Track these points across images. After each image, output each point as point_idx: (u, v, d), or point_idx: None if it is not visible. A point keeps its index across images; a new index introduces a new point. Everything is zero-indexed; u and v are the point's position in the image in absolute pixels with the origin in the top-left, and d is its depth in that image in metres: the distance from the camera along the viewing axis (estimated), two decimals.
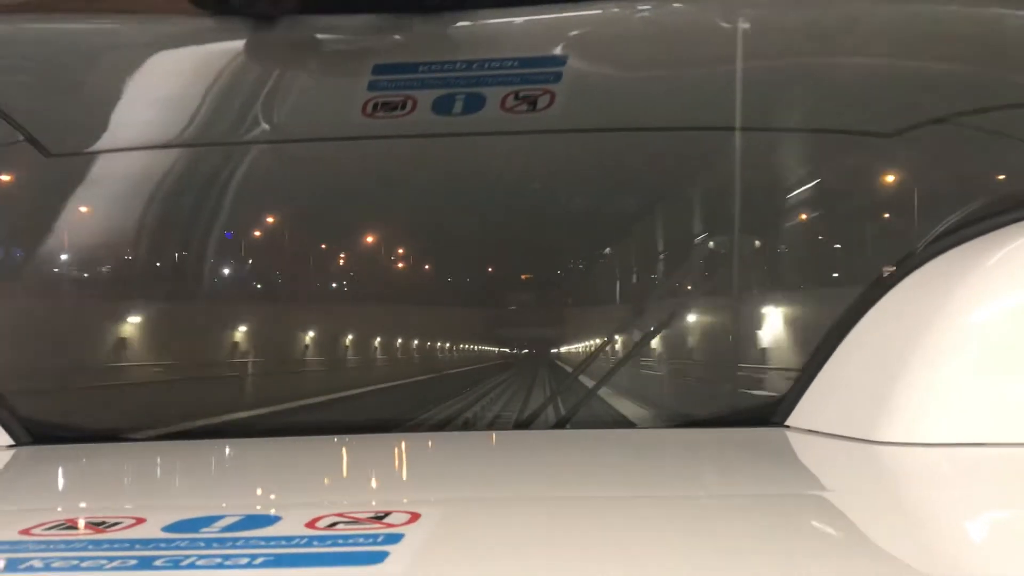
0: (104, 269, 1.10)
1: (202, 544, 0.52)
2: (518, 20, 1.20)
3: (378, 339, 1.10)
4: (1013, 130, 1.04)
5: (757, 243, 1.04)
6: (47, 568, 0.49)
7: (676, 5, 1.23)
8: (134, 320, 1.07)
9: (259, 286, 1.12)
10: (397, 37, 1.19)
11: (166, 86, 1.20)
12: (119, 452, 0.91)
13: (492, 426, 1.00)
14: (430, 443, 0.97)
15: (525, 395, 1.03)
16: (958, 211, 0.93)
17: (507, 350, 1.06)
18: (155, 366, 1.06)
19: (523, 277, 1.10)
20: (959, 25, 1.16)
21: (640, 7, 1.21)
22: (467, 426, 1.00)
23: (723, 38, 1.15)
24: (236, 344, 1.07)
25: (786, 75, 1.14)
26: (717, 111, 1.08)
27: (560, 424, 0.98)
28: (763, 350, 0.99)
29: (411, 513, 0.58)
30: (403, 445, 0.95)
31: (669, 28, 1.21)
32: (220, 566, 0.49)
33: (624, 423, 0.99)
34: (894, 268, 0.91)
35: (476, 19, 1.20)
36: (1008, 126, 1.04)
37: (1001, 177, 0.98)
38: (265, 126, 1.14)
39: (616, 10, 1.21)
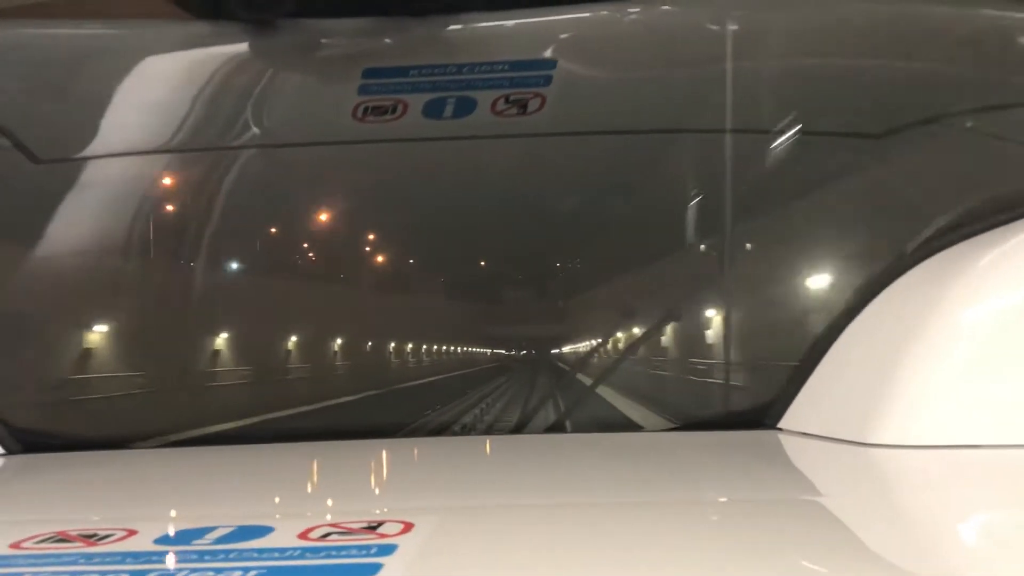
0: (94, 276, 1.09)
1: (194, 557, 0.52)
2: (509, 23, 1.20)
3: (370, 343, 1.10)
4: (1003, 131, 1.04)
5: (748, 245, 1.04)
6: None
7: (665, 8, 1.22)
8: (125, 328, 1.06)
9: (249, 291, 1.11)
10: (389, 41, 1.19)
11: (158, 91, 1.20)
12: (111, 461, 0.90)
13: (489, 431, 1.00)
14: (426, 449, 0.97)
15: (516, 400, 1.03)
16: (949, 212, 0.93)
17: (493, 351, 1.06)
18: (147, 375, 1.05)
19: (511, 278, 1.10)
20: (948, 26, 1.16)
21: (630, 10, 1.21)
22: (465, 430, 0.99)
23: (712, 40, 1.15)
24: (223, 351, 1.07)
25: (774, 77, 1.14)
26: (706, 113, 1.08)
27: (554, 428, 0.97)
28: (755, 352, 0.98)
29: (404, 523, 0.58)
30: (398, 451, 0.94)
31: (658, 31, 1.21)
32: None
33: (620, 426, 0.98)
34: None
35: (468, 22, 1.20)
36: (998, 127, 1.04)
37: (992, 178, 0.98)
38: (256, 131, 1.14)
39: (606, 13, 1.21)
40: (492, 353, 1.06)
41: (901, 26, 1.15)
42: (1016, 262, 0.83)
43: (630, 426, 0.98)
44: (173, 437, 0.97)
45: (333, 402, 1.06)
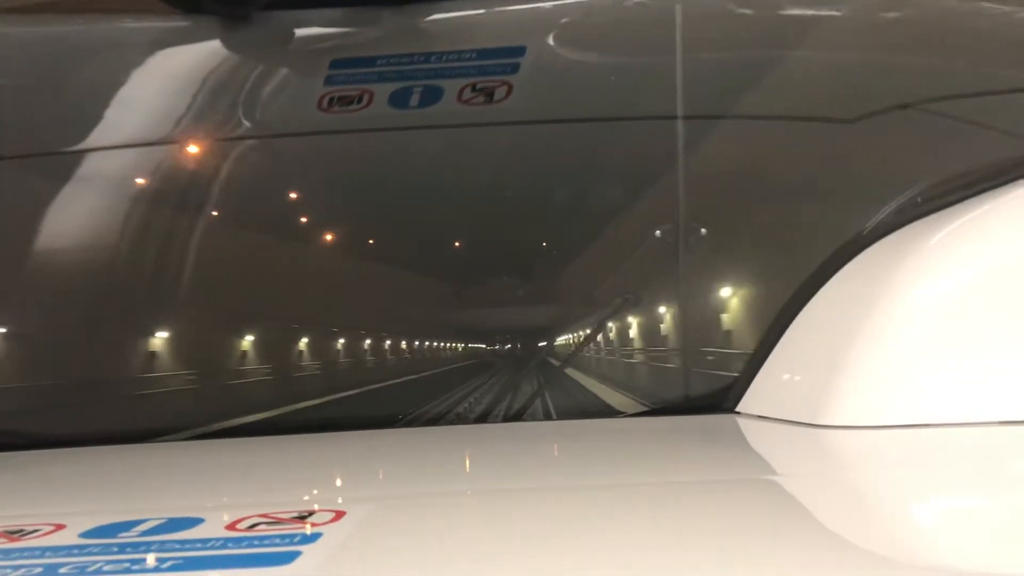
0: (54, 273, 1.09)
1: (115, 550, 0.52)
2: (481, 12, 1.20)
3: (341, 340, 1.10)
4: (971, 115, 1.03)
5: (709, 230, 1.03)
6: None
7: None
8: (83, 327, 1.06)
9: (216, 287, 1.11)
10: (360, 31, 1.19)
11: (130, 86, 1.21)
12: (53, 459, 0.90)
13: (449, 420, 1.00)
14: (392, 440, 0.96)
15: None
16: (905, 193, 0.92)
17: (461, 341, 1.06)
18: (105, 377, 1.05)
19: (477, 267, 1.10)
20: (921, 13, 1.16)
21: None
22: (460, 419, 0.99)
23: (685, 27, 1.15)
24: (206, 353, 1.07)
25: (747, 63, 1.13)
26: (674, 99, 1.08)
27: (516, 416, 0.97)
28: (713, 337, 0.98)
29: (336, 512, 0.58)
30: (354, 443, 0.94)
31: (628, 18, 1.21)
32: (127, 571, 0.49)
33: (577, 412, 0.98)
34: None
35: (442, 11, 1.20)
36: (966, 112, 1.04)
37: (950, 160, 0.98)
38: (230, 124, 1.14)
39: (575, 1, 1.21)
40: (460, 343, 1.06)
41: (876, 14, 1.15)
42: (965, 241, 0.83)
43: (594, 412, 0.98)
44: (127, 432, 0.97)
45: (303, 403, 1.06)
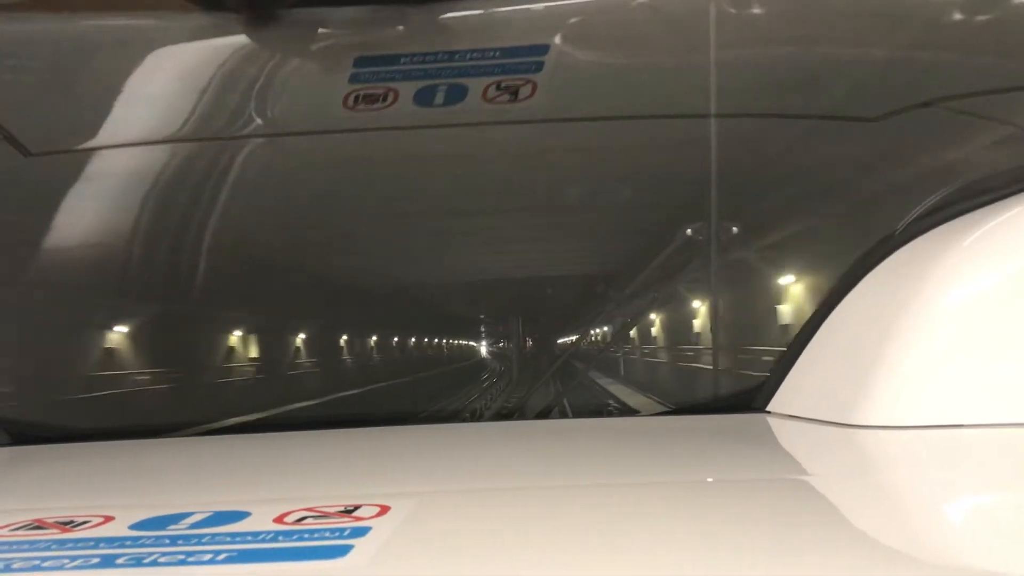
0: (86, 269, 1.10)
1: (167, 541, 0.52)
2: (504, 10, 1.20)
3: (367, 338, 1.10)
4: (995, 113, 1.03)
5: (740, 229, 1.03)
6: (7, 569, 0.48)
7: None
8: (118, 322, 1.07)
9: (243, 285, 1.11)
10: (384, 29, 1.19)
11: (153, 83, 1.20)
12: (96, 452, 0.91)
13: (480, 417, 1.00)
14: (422, 436, 0.97)
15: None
16: (936, 193, 0.92)
17: (481, 342, 1.07)
18: (142, 371, 1.06)
19: (501, 266, 1.11)
20: (943, 10, 1.16)
21: None
22: (475, 416, 1.00)
23: (708, 25, 1.15)
24: (230, 348, 1.07)
25: (770, 61, 1.13)
26: (700, 98, 1.08)
27: (544, 413, 0.98)
28: (744, 337, 0.98)
29: (381, 506, 0.58)
30: (388, 438, 0.94)
31: (652, 16, 1.20)
32: (183, 563, 0.49)
33: (614, 411, 0.99)
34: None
35: (465, 9, 1.19)
36: (990, 110, 1.04)
37: (980, 160, 0.98)
38: (253, 122, 1.14)
39: None
40: (480, 342, 1.07)
41: (899, 12, 1.15)
42: (998, 242, 0.83)
43: (623, 411, 0.98)
44: (165, 427, 0.97)
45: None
